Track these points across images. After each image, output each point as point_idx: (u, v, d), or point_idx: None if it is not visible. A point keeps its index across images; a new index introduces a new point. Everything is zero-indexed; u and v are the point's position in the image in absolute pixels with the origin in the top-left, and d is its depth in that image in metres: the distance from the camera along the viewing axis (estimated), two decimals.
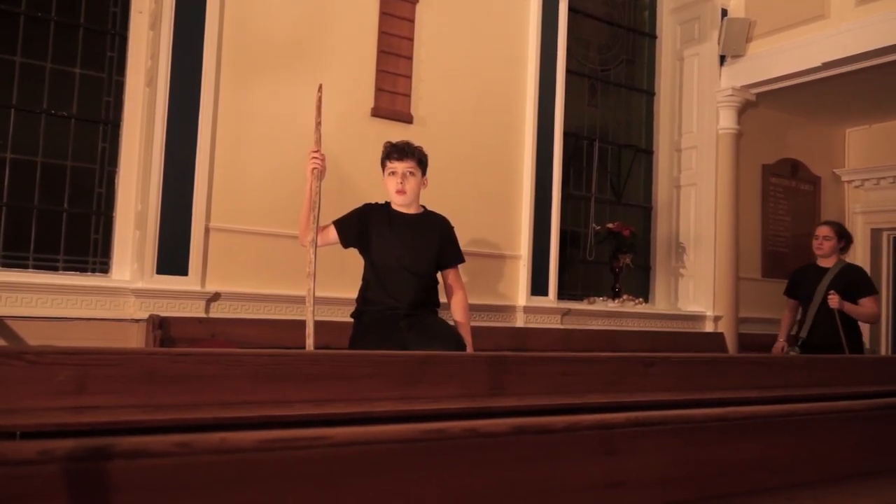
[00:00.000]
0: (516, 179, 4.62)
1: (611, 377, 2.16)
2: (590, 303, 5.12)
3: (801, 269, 4.54)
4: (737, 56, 5.38)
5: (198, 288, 3.60)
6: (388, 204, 3.02)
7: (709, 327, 5.41)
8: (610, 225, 5.28)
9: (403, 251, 2.92)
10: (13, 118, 3.61)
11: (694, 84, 5.59)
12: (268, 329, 3.66)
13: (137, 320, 3.51)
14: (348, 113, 4.07)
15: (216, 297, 3.66)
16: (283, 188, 3.86)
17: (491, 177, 4.53)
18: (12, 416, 1.41)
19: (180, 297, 3.57)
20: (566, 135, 4.94)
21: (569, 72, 4.97)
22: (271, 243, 3.80)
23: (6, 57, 3.60)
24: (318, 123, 2.84)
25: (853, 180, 6.48)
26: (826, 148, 6.44)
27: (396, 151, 2.92)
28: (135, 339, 3.51)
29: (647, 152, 5.79)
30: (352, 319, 3.05)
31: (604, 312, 5.06)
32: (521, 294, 4.58)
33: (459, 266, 3.12)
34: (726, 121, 5.48)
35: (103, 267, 3.80)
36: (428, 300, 3.00)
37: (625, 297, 5.27)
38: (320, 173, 2.82)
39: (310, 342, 2.69)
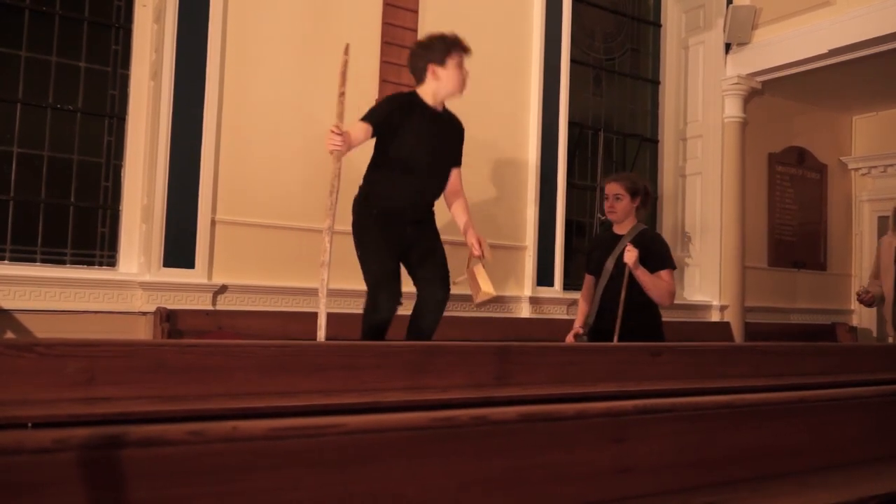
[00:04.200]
0: (521, 170, 4.62)
1: (618, 366, 2.17)
2: None
3: (597, 237, 3.95)
4: (742, 44, 5.35)
5: (204, 280, 3.62)
6: (414, 94, 2.97)
7: (715, 317, 5.40)
8: None
9: (435, 150, 2.93)
10: (19, 112, 3.62)
11: (699, 72, 5.56)
12: (275, 321, 3.67)
13: (145, 313, 3.53)
14: (353, 104, 4.05)
15: (223, 289, 3.67)
16: (289, 180, 3.87)
17: (496, 167, 4.52)
18: (24, 408, 1.42)
19: (187, 289, 3.58)
20: (571, 124, 4.92)
21: (573, 61, 4.95)
22: (277, 235, 3.81)
23: (11, 51, 3.60)
24: (342, 94, 2.62)
25: (860, 168, 6.45)
26: (832, 135, 6.40)
27: (464, 46, 2.95)
28: (142, 332, 3.53)
29: (653, 141, 5.76)
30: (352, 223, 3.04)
31: None
32: (526, 285, 4.58)
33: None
34: (732, 109, 5.45)
35: (110, 260, 3.81)
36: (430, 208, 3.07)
37: None
38: (340, 154, 2.66)
39: (321, 334, 2.65)
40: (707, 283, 5.46)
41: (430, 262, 2.98)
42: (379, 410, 1.53)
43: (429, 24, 4.29)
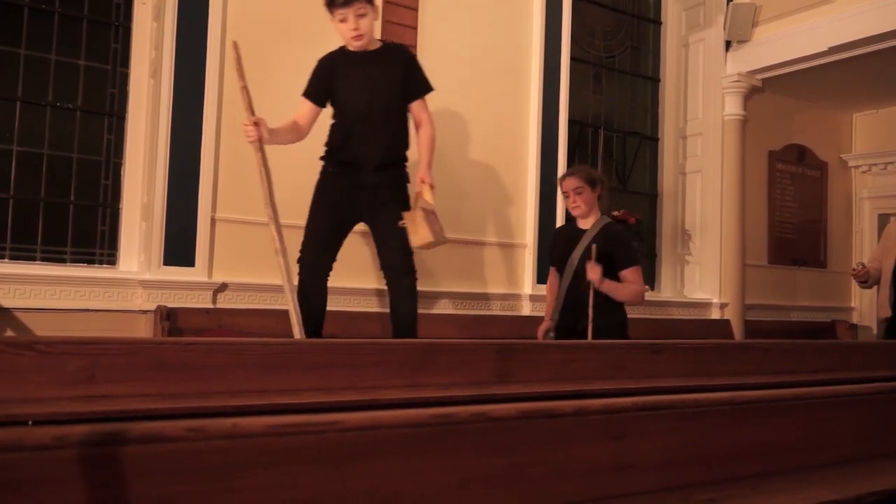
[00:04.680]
0: (521, 167, 4.62)
1: (618, 364, 2.17)
2: None
3: (559, 230, 3.70)
4: (742, 41, 5.34)
5: (205, 279, 3.62)
6: (342, 48, 2.92)
7: (715, 314, 5.40)
8: (615, 213, 5.26)
9: (373, 91, 2.80)
10: (19, 110, 3.62)
11: (699, 70, 5.56)
12: (275, 319, 3.67)
13: (145, 311, 3.53)
14: None
15: (223, 287, 3.68)
16: (289, 178, 3.86)
17: (496, 165, 4.52)
18: (24, 406, 1.42)
19: (187, 287, 3.58)
20: (571, 122, 4.92)
21: (573, 59, 4.95)
22: None
23: (11, 49, 3.60)
24: (243, 87, 2.61)
25: (860, 165, 6.45)
26: (833, 133, 6.40)
27: (339, 3, 2.76)
28: (142, 330, 3.53)
29: (653, 139, 5.76)
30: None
31: None
32: (526, 282, 4.58)
33: (427, 97, 2.94)
34: (732, 107, 5.45)
35: (110, 259, 3.81)
36: (397, 156, 2.89)
37: None
38: (259, 144, 2.64)
39: (297, 331, 2.55)
40: (707, 280, 5.46)
41: (389, 246, 2.87)
42: (379, 408, 1.53)
43: (429, 21, 4.30)
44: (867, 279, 4.29)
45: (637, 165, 5.67)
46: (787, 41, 5.06)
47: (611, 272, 3.11)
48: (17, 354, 1.46)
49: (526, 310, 4.57)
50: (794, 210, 6.11)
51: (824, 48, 4.82)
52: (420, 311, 4.15)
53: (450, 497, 0.99)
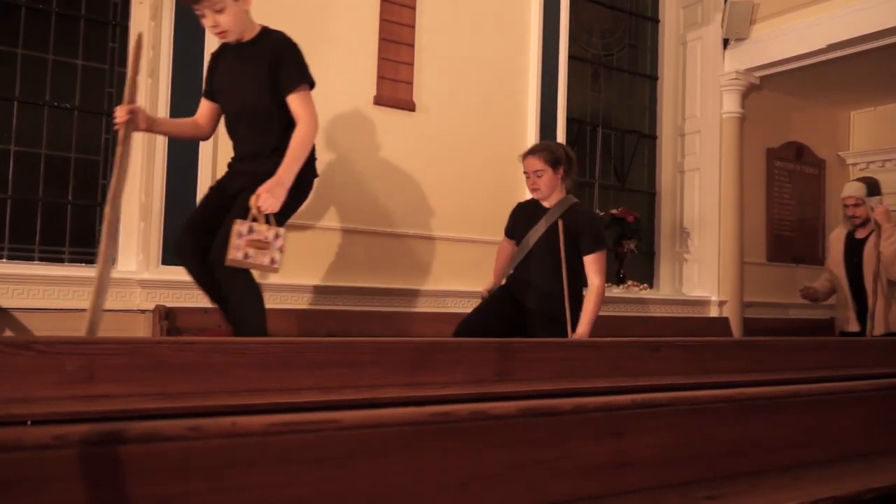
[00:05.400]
0: (519, 165, 4.60)
1: (616, 362, 2.17)
2: None
3: (522, 204, 3.45)
4: (740, 39, 5.35)
5: None
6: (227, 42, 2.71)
7: (714, 312, 5.41)
8: (614, 211, 5.27)
9: (236, 87, 2.61)
10: (16, 110, 3.61)
11: (697, 68, 5.56)
12: (273, 318, 3.67)
13: (143, 311, 3.53)
14: (350, 101, 4.06)
15: None
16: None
17: (494, 163, 4.52)
18: (23, 406, 1.42)
19: (186, 287, 3.56)
20: (569, 120, 4.92)
21: (571, 57, 4.95)
22: None
23: (8, 49, 3.60)
24: (133, 78, 2.45)
25: (858, 163, 6.45)
26: (831, 130, 6.40)
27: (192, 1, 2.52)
28: (141, 330, 3.53)
29: (651, 137, 5.76)
30: None
31: (608, 298, 5.04)
32: None
33: (303, 90, 2.62)
34: (730, 105, 5.45)
35: None
36: (266, 153, 2.58)
37: (629, 282, 5.27)
38: (126, 131, 2.44)
39: (92, 325, 2.25)
40: (705, 278, 5.46)
41: (218, 237, 2.54)
42: (378, 407, 1.53)
43: (426, 20, 4.29)
44: (817, 297, 4.33)
45: (635, 163, 5.67)
46: (785, 39, 5.06)
47: (575, 256, 3.00)
48: (16, 354, 1.46)
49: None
50: (793, 207, 6.11)
51: (822, 46, 4.82)
52: (422, 309, 4.18)
53: (449, 495, 0.99)
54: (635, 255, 5.38)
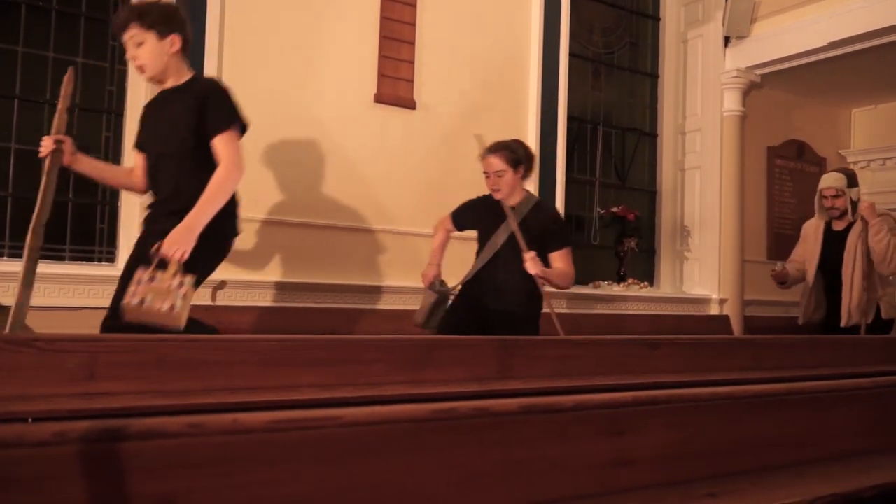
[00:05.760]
0: None
1: (617, 360, 2.17)
2: (595, 287, 5.12)
3: (485, 199, 3.22)
4: (741, 37, 5.34)
5: None
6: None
7: (714, 310, 5.41)
8: (614, 209, 5.27)
9: (156, 135, 2.50)
10: (17, 108, 3.61)
11: (698, 66, 5.56)
12: (274, 316, 3.68)
13: None
14: (351, 99, 4.06)
15: (222, 285, 3.67)
16: (287, 174, 3.87)
17: None
18: (24, 403, 1.42)
19: None
20: (570, 119, 4.92)
21: (572, 55, 4.94)
22: (276, 230, 3.81)
23: (9, 47, 3.60)
24: (63, 111, 2.40)
25: (859, 161, 6.45)
26: (832, 129, 6.40)
27: (115, 28, 2.45)
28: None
29: (652, 135, 5.76)
30: None
31: (609, 297, 5.06)
32: None
33: (229, 133, 2.44)
34: (731, 103, 5.44)
35: (109, 256, 3.81)
36: (184, 208, 2.36)
37: (630, 280, 5.27)
38: (51, 161, 2.34)
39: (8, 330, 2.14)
40: (706, 276, 5.46)
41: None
42: (380, 404, 1.53)
43: (427, 18, 4.29)
44: (786, 280, 4.18)
45: (636, 162, 5.66)
46: (785, 37, 5.06)
47: (540, 253, 2.97)
48: (17, 352, 1.46)
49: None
50: (794, 206, 6.11)
51: (823, 44, 4.82)
52: None
53: (450, 491, 0.99)
54: (636, 254, 5.38)
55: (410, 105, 4.20)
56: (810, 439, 1.56)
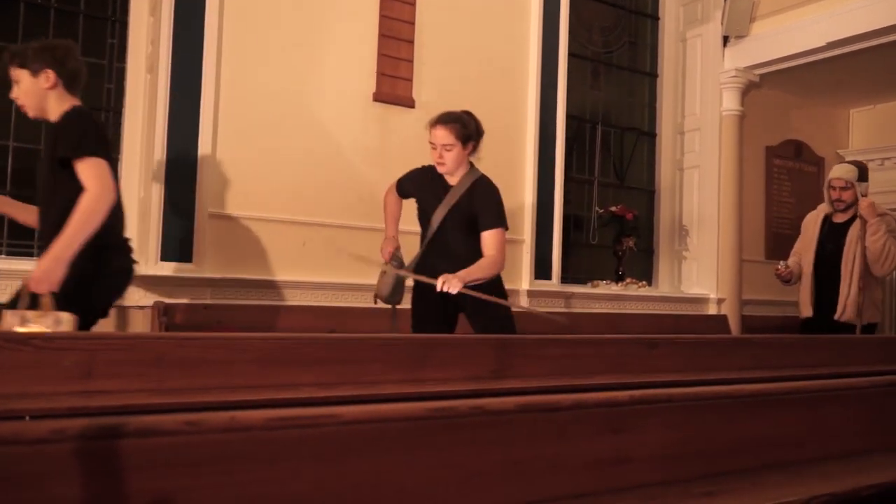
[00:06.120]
0: (519, 163, 4.61)
1: (615, 359, 2.17)
2: (593, 286, 5.12)
3: (428, 172, 3.03)
4: (740, 37, 5.34)
5: (202, 274, 3.61)
6: None
7: (712, 310, 5.41)
8: (613, 208, 5.27)
9: (40, 166, 2.55)
10: (14, 106, 3.60)
11: (697, 65, 5.56)
12: (273, 314, 3.68)
13: (142, 307, 3.52)
14: (350, 98, 4.06)
15: (221, 283, 3.67)
16: (287, 173, 3.86)
17: (493, 160, 4.49)
18: (22, 401, 1.42)
19: (185, 284, 3.57)
20: (569, 118, 4.92)
21: (571, 54, 4.94)
22: (275, 229, 3.81)
23: (7, 45, 3.58)
24: None
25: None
26: (830, 129, 6.40)
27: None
28: (140, 327, 3.53)
29: (650, 135, 5.76)
30: None
31: (607, 296, 5.06)
32: (524, 278, 4.58)
33: (90, 159, 2.30)
34: (730, 102, 5.45)
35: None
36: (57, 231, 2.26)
37: (628, 280, 5.27)
38: None
39: None
40: (704, 276, 5.46)
41: None
42: (377, 402, 1.53)
43: (426, 17, 4.29)
44: (790, 278, 4.14)
45: (635, 161, 5.67)
46: (784, 36, 5.06)
47: (474, 232, 2.85)
48: (16, 350, 1.46)
49: (524, 305, 4.57)
50: (792, 206, 6.11)
51: (822, 44, 4.82)
52: None
53: (448, 490, 0.99)
54: (634, 253, 5.38)
55: (409, 104, 4.20)
56: (808, 438, 1.56)
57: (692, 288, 5.52)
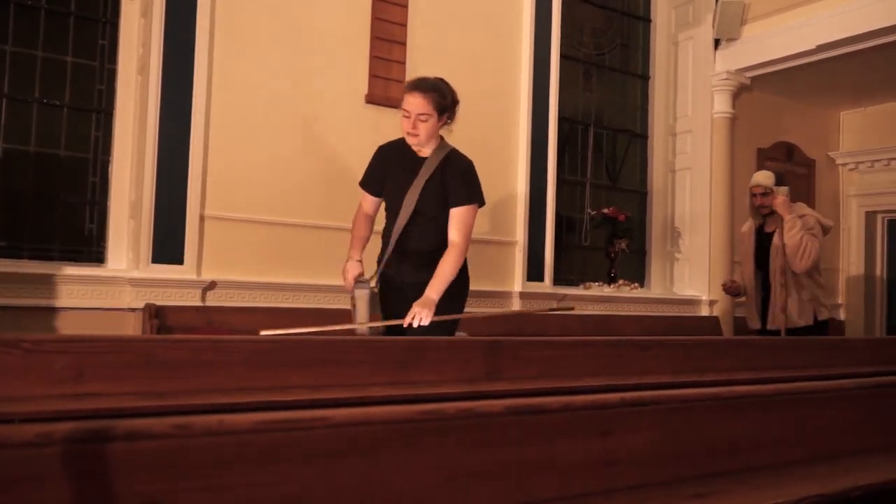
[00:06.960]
0: (511, 165, 4.62)
1: (606, 361, 2.17)
2: (585, 288, 5.13)
3: (394, 149, 2.79)
4: (731, 39, 5.37)
5: (194, 277, 3.60)
6: None
7: (704, 311, 5.43)
8: (605, 210, 5.28)
9: None
10: (5, 107, 3.59)
11: (689, 68, 5.58)
12: (265, 317, 3.66)
13: (133, 309, 3.51)
14: (342, 100, 4.05)
15: (212, 285, 3.66)
16: (279, 175, 3.86)
17: (486, 162, 4.50)
18: (11, 404, 1.41)
19: (176, 285, 3.56)
20: (561, 120, 4.93)
21: (563, 56, 4.96)
22: (266, 231, 3.80)
23: None
24: None
25: (847, 163, 6.49)
26: (821, 131, 6.44)
27: None
28: (131, 329, 3.51)
29: (642, 137, 5.78)
30: None
31: (600, 298, 5.07)
32: (516, 280, 4.59)
33: None
34: (721, 105, 5.47)
35: (98, 256, 3.79)
36: None
37: (620, 282, 5.29)
38: None
39: None
40: (696, 277, 5.48)
41: None
42: (368, 405, 1.53)
43: (418, 19, 4.29)
44: (739, 291, 4.18)
45: (627, 163, 5.68)
46: (775, 39, 5.09)
47: (444, 207, 2.63)
48: (4, 353, 1.45)
49: (516, 306, 4.58)
50: None
51: (812, 46, 4.85)
52: None
53: (438, 492, 1.00)
54: (626, 255, 5.40)
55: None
56: (797, 440, 1.57)
57: (684, 289, 5.54)
